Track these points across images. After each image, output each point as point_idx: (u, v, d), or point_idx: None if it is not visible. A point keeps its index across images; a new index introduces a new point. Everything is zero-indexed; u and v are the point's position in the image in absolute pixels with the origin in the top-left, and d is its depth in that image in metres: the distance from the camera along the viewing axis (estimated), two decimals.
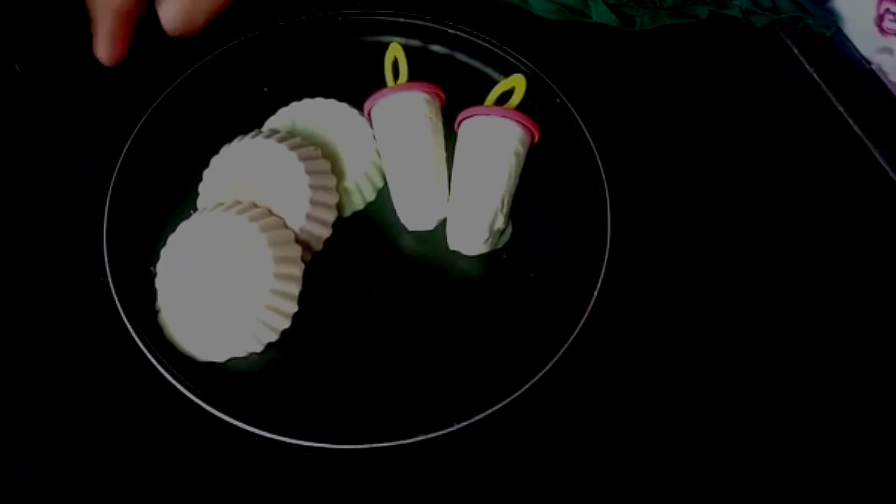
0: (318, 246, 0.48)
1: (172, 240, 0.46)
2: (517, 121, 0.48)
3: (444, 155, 0.49)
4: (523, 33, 0.56)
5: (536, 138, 0.50)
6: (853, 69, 0.58)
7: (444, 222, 0.48)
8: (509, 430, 0.44)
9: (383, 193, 0.50)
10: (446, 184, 0.49)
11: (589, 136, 0.51)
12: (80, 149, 0.52)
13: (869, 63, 0.56)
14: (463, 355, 0.46)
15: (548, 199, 0.50)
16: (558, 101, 0.52)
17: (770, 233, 0.51)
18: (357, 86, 0.51)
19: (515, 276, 0.48)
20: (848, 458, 0.44)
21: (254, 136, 0.48)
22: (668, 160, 0.53)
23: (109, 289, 0.45)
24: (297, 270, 0.46)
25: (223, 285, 0.44)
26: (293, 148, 0.47)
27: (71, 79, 0.55)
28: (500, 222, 0.47)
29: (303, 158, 0.47)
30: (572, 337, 0.45)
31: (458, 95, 0.51)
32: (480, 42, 0.54)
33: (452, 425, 0.42)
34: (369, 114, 0.50)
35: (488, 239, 0.47)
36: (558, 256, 0.49)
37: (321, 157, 0.48)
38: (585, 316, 0.45)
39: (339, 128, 0.50)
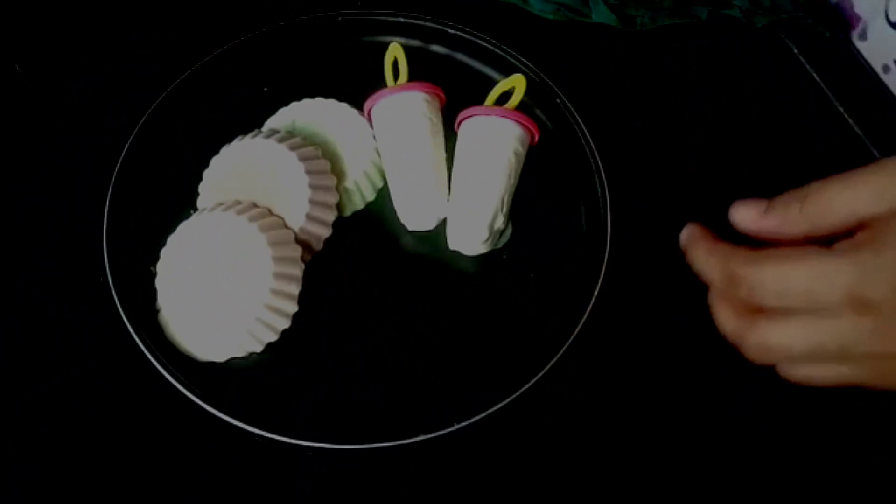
0: (318, 246, 0.48)
1: (172, 240, 0.46)
2: (517, 121, 0.48)
3: (443, 155, 0.49)
4: (523, 33, 0.56)
5: (536, 138, 0.50)
6: (853, 69, 0.58)
7: (444, 222, 0.48)
8: (509, 430, 0.44)
9: (383, 193, 0.50)
10: (446, 184, 0.49)
11: (589, 136, 0.51)
12: (80, 149, 0.52)
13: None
14: (463, 355, 0.46)
15: (548, 199, 0.50)
16: (558, 101, 0.52)
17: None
18: (357, 86, 0.51)
19: (515, 276, 0.48)
20: (847, 457, 0.44)
21: (254, 136, 0.48)
22: (668, 160, 0.53)
23: (109, 289, 0.45)
24: (297, 270, 0.46)
25: (223, 285, 0.44)
26: (293, 148, 0.47)
27: (71, 79, 0.55)
28: (499, 222, 0.47)
29: (303, 158, 0.47)
30: (572, 337, 0.45)
31: (458, 95, 0.51)
32: (480, 42, 0.54)
33: (452, 425, 0.42)
34: (369, 114, 0.50)
35: (488, 239, 0.47)
36: (558, 256, 0.49)
37: (321, 157, 0.48)
38: (585, 316, 0.45)
39: (339, 128, 0.50)
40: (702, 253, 0.35)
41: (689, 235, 0.36)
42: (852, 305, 0.30)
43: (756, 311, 0.32)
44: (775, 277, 0.31)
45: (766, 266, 0.32)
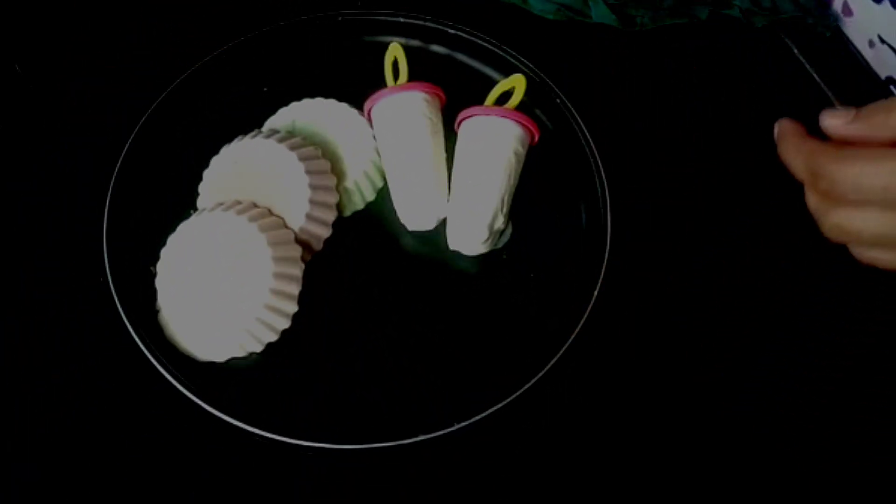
0: (318, 246, 0.48)
1: (172, 240, 0.46)
2: (517, 121, 0.48)
3: (443, 155, 0.49)
4: (523, 33, 0.56)
5: (536, 138, 0.50)
6: (853, 69, 0.58)
7: (444, 222, 0.48)
8: (509, 430, 0.44)
9: (383, 193, 0.50)
10: (446, 184, 0.49)
11: (589, 136, 0.51)
12: (80, 149, 0.52)
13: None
14: (463, 355, 0.46)
15: (548, 199, 0.50)
16: (558, 101, 0.52)
17: (770, 233, 0.51)
18: (357, 86, 0.51)
19: (515, 276, 0.48)
20: (847, 457, 0.44)
21: (254, 136, 0.48)
22: (668, 160, 0.53)
23: (109, 289, 0.45)
24: (297, 270, 0.46)
25: (223, 285, 0.44)
26: (293, 148, 0.47)
27: (71, 79, 0.55)
28: (499, 222, 0.47)
29: (303, 158, 0.47)
30: (572, 337, 0.45)
31: (458, 95, 0.51)
32: (480, 42, 0.54)
33: (452, 425, 0.42)
34: (369, 114, 0.50)
35: (488, 239, 0.47)
36: (558, 256, 0.49)
37: (321, 157, 0.48)
38: (585, 316, 0.45)
39: (339, 128, 0.50)
40: (791, 148, 0.38)
41: (780, 130, 0.38)
42: None
43: (837, 198, 0.35)
44: (854, 175, 0.34)
45: (847, 164, 0.34)
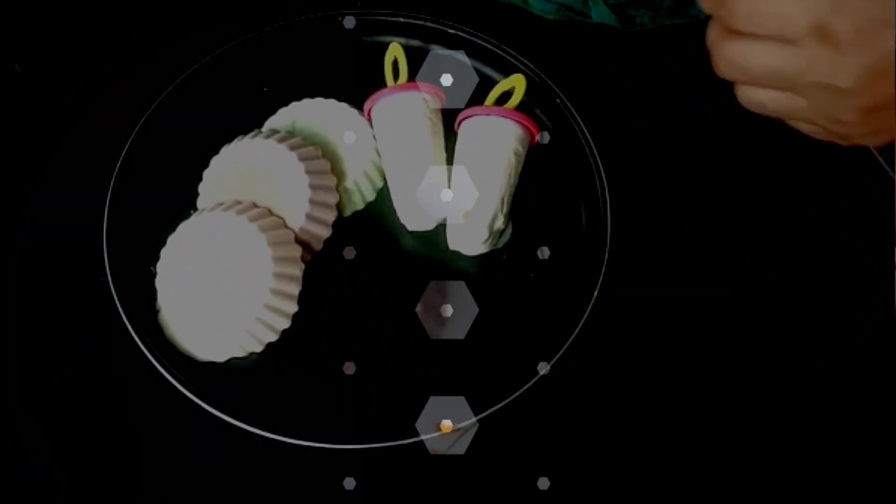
0: (318, 246, 0.48)
1: (172, 240, 0.46)
2: (517, 121, 0.48)
3: (444, 155, 0.49)
4: (523, 33, 0.56)
5: (536, 138, 0.50)
6: None
7: (444, 222, 0.48)
8: (509, 431, 0.44)
9: (383, 193, 0.50)
10: (446, 184, 0.49)
11: (589, 136, 0.51)
12: (80, 149, 0.52)
13: None
14: (463, 355, 0.46)
15: (548, 199, 0.50)
16: (558, 101, 0.52)
17: (770, 233, 0.51)
18: (357, 86, 0.51)
19: (515, 276, 0.48)
20: (847, 457, 0.44)
21: (254, 136, 0.48)
22: (668, 160, 0.53)
23: (109, 289, 0.45)
24: (297, 270, 0.46)
25: (223, 285, 0.44)
26: (293, 148, 0.47)
27: (71, 79, 0.55)
28: (499, 222, 0.47)
29: (303, 158, 0.47)
30: (572, 337, 0.45)
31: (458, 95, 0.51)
32: (480, 42, 0.54)
33: None
34: (369, 114, 0.50)
35: (488, 239, 0.47)
36: (558, 256, 0.49)
37: (321, 157, 0.48)
38: (585, 316, 0.45)
39: (339, 128, 0.50)
40: None
41: None
42: (817, 35, 0.32)
43: (734, 29, 0.34)
44: (754, 3, 0.33)
45: None
